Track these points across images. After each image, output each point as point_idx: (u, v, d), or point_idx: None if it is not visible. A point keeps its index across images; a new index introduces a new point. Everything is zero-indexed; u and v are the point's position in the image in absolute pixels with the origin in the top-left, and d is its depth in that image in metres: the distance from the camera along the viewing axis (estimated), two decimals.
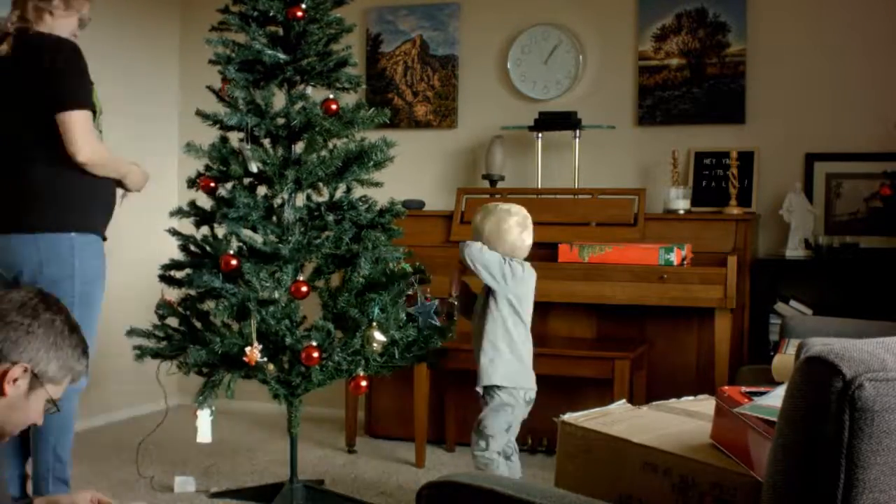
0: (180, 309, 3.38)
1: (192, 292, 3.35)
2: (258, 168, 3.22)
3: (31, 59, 2.95)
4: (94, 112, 3.07)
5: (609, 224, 4.30)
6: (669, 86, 4.63)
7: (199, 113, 3.42)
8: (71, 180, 3.01)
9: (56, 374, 1.94)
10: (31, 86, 2.96)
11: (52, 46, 2.96)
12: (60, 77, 2.95)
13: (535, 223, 4.38)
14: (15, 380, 1.88)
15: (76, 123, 2.95)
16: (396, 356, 3.23)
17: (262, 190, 3.37)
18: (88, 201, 3.06)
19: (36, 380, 1.91)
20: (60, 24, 3.04)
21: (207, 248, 3.32)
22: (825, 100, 4.44)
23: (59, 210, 2.99)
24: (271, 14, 3.30)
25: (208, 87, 3.49)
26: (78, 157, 2.97)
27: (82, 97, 2.99)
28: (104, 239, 3.18)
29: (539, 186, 4.60)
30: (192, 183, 3.41)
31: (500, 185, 4.68)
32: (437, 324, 3.33)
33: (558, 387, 4.24)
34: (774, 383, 2.54)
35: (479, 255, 3.24)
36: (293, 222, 3.30)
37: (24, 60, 2.96)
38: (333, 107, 3.25)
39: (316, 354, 3.08)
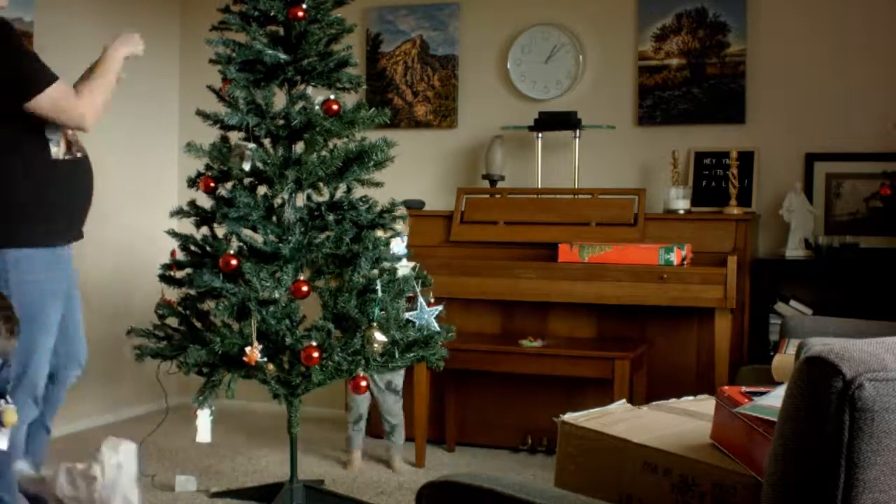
0: (180, 309, 3.38)
1: (192, 292, 3.35)
2: (251, 166, 3.22)
3: None
4: None
5: (609, 224, 4.30)
6: (669, 86, 4.63)
7: (199, 113, 3.42)
8: (7, 185, 2.85)
9: None
10: None
11: None
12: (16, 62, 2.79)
13: (536, 223, 4.41)
14: None
15: (58, 100, 2.85)
16: (396, 356, 3.23)
17: (262, 190, 3.37)
18: (28, 212, 2.88)
19: None
20: None
21: (207, 248, 3.32)
22: (825, 100, 4.44)
23: None
24: (272, 14, 3.30)
25: (209, 87, 3.49)
26: (86, 128, 2.91)
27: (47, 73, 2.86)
28: (64, 244, 3.01)
29: (539, 186, 4.60)
30: (192, 183, 3.40)
31: (500, 185, 4.68)
32: (438, 329, 3.33)
33: (558, 387, 4.24)
34: (774, 383, 2.54)
35: None
36: (293, 222, 3.30)
37: None
38: (335, 107, 3.25)
39: (316, 354, 3.08)
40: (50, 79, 2.86)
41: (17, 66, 2.82)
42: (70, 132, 3.01)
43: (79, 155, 3.05)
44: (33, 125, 2.89)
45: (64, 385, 3.19)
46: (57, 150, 2.96)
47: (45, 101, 2.83)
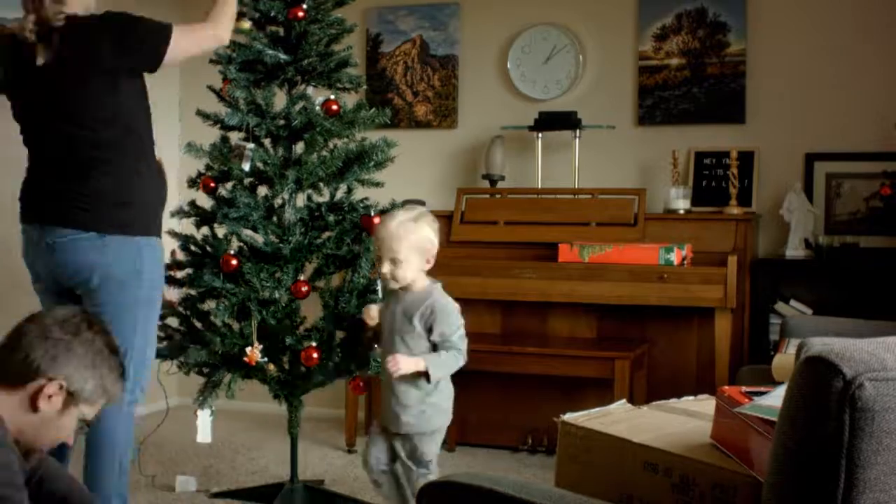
0: (181, 309, 3.39)
1: (193, 292, 3.35)
2: (251, 167, 3.22)
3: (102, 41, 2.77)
4: None
5: (609, 224, 4.30)
6: (669, 86, 4.63)
7: (199, 113, 3.42)
8: (136, 183, 2.87)
9: (91, 394, 1.92)
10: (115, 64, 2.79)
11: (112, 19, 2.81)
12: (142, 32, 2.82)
13: (536, 223, 4.41)
14: (50, 396, 1.87)
15: (186, 37, 2.85)
16: None
17: (262, 190, 3.37)
18: (153, 204, 2.92)
19: (70, 398, 1.89)
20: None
21: (208, 248, 3.32)
22: (825, 100, 4.44)
23: (125, 213, 2.84)
24: (272, 14, 3.30)
25: (209, 87, 3.49)
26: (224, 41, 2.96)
27: (164, 24, 2.85)
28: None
29: (539, 186, 4.60)
30: (192, 183, 3.41)
31: (500, 185, 4.68)
32: None
33: (558, 387, 4.24)
34: (775, 383, 2.54)
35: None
36: (294, 222, 3.30)
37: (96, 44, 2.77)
38: (334, 107, 3.25)
39: (315, 355, 3.09)
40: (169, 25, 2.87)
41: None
42: None
43: None
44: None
45: None
46: None
47: (181, 35, 2.87)
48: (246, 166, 3.22)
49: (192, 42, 2.88)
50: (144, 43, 2.81)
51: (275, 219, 3.32)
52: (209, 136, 3.43)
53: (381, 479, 2.97)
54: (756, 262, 4.26)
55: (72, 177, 2.80)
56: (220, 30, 2.92)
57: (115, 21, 2.79)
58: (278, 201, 3.34)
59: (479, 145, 4.89)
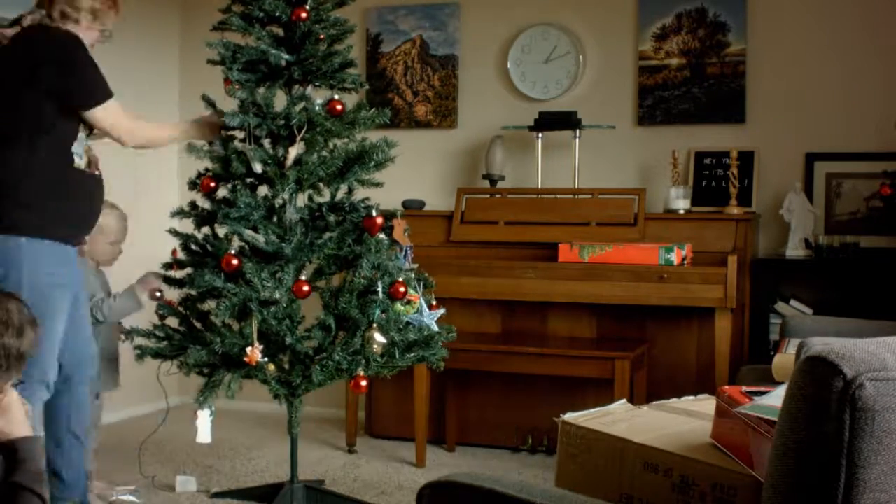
0: (181, 309, 3.38)
1: (193, 292, 3.34)
2: (261, 168, 3.22)
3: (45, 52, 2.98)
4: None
5: (609, 224, 4.30)
6: (669, 85, 4.63)
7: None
8: (35, 181, 2.98)
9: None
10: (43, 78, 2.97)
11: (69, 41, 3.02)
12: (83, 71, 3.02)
13: (536, 223, 4.42)
14: None
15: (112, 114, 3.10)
16: (397, 356, 3.23)
17: (262, 190, 3.37)
18: (50, 204, 3.00)
19: None
20: (83, 35, 3.08)
21: (209, 248, 3.32)
22: (825, 100, 4.44)
23: (11, 210, 2.95)
24: (276, 14, 3.30)
25: (204, 98, 3.46)
26: (124, 143, 3.20)
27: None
28: (74, 245, 3.14)
29: (539, 186, 4.60)
30: (192, 183, 3.40)
31: (500, 184, 4.68)
32: (438, 330, 3.33)
33: (558, 387, 4.25)
34: (775, 383, 2.54)
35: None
36: (295, 222, 3.30)
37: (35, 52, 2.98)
38: (338, 107, 3.24)
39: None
40: (110, 93, 3.10)
41: (84, 76, 3.05)
42: (93, 153, 3.17)
43: (97, 173, 3.18)
44: (68, 135, 3.06)
45: (82, 385, 3.21)
46: (80, 162, 3.10)
47: (101, 112, 3.08)
48: (257, 167, 3.22)
49: (108, 122, 3.12)
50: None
51: (275, 219, 3.32)
52: None
53: None
54: (756, 262, 4.26)
55: None
56: (130, 140, 3.20)
57: None
58: (279, 201, 3.33)
59: (479, 145, 4.89)
